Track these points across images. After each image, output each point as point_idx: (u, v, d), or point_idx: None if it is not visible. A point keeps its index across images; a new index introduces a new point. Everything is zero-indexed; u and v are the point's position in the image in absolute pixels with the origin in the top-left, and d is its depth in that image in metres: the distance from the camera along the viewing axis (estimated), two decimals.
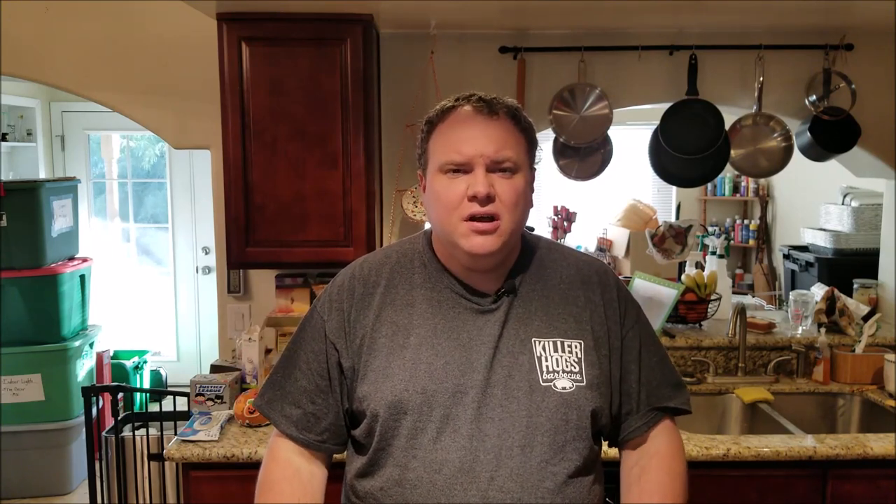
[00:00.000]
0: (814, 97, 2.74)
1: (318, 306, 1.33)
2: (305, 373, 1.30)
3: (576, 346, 1.24)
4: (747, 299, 3.55)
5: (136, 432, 3.25)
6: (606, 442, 1.35)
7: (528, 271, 1.30)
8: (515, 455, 1.17)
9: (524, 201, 1.23)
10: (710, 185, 6.48)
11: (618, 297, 1.32)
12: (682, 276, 2.87)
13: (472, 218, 1.19)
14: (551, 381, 1.21)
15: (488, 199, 1.18)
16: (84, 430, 3.38)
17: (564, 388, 1.21)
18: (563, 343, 1.24)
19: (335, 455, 1.34)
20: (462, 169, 1.20)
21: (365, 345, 1.25)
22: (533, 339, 1.23)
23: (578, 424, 1.21)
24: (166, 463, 3.20)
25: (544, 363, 1.22)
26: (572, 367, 1.23)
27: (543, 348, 1.23)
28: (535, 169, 1.28)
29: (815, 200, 4.79)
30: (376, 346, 1.24)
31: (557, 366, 1.22)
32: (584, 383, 1.22)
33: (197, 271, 5.60)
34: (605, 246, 4.52)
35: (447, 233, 1.22)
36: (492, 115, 1.21)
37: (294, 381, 1.30)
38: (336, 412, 1.29)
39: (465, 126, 1.21)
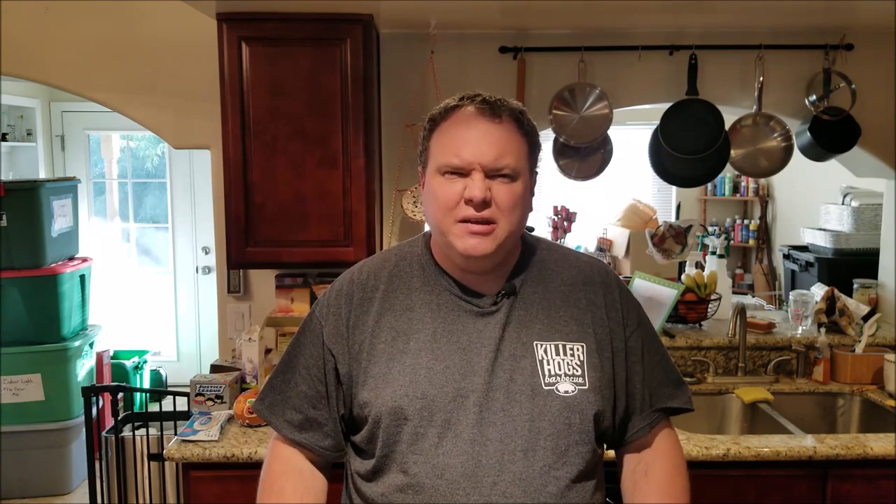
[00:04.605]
0: (814, 97, 2.74)
1: (316, 311, 1.32)
2: (305, 378, 1.29)
3: (578, 349, 1.23)
4: (747, 299, 3.55)
5: (136, 432, 3.24)
6: (605, 445, 1.34)
7: (529, 273, 1.29)
8: (518, 459, 1.16)
9: (522, 206, 1.22)
10: (710, 185, 6.48)
11: (620, 299, 1.31)
12: (682, 276, 2.87)
13: (467, 220, 1.18)
14: (553, 384, 1.20)
15: (484, 203, 1.17)
16: (84, 430, 3.38)
17: (567, 392, 1.20)
18: (564, 346, 1.23)
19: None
20: (460, 172, 1.19)
21: (364, 350, 1.24)
22: (535, 342, 1.22)
23: (581, 428, 1.20)
24: (166, 463, 3.20)
25: (546, 366, 1.21)
26: (574, 371, 1.22)
27: (545, 351, 1.22)
28: (536, 172, 1.27)
29: (815, 200, 4.79)
30: (376, 351, 1.23)
31: (559, 369, 1.21)
32: (586, 387, 1.21)
33: (197, 271, 5.60)
34: (605, 246, 4.52)
35: (442, 233, 1.22)
36: (494, 117, 1.19)
37: (294, 386, 1.30)
38: (334, 418, 1.28)
39: (467, 128, 1.19)
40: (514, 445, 1.17)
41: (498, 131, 1.19)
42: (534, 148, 1.25)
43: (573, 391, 1.20)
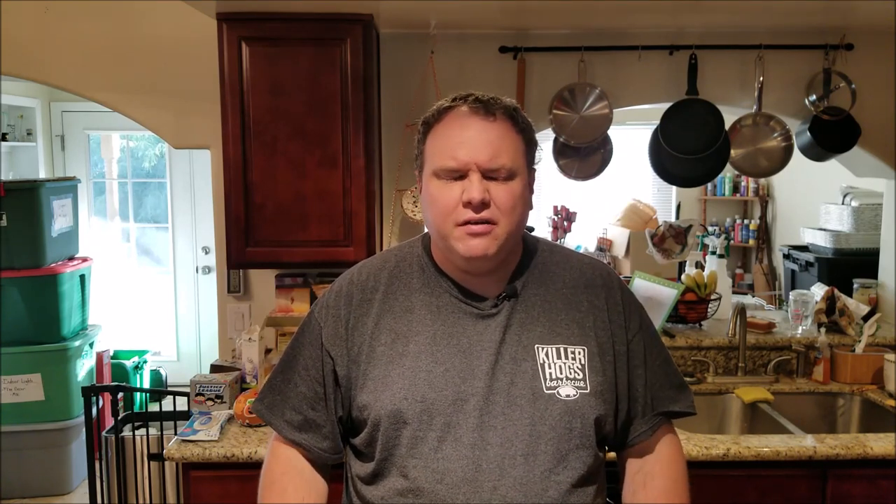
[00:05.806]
0: (814, 97, 2.74)
1: (315, 312, 1.31)
2: (304, 378, 1.28)
3: (579, 353, 1.22)
4: (747, 299, 3.55)
5: (136, 432, 3.24)
6: (607, 448, 1.33)
7: (530, 275, 1.27)
8: (519, 464, 1.15)
9: (522, 205, 1.20)
10: (710, 185, 6.48)
11: (622, 301, 1.30)
12: (682, 276, 2.87)
13: (467, 223, 1.16)
14: (555, 388, 1.18)
15: (483, 205, 1.15)
16: (84, 429, 3.38)
17: (568, 396, 1.18)
18: (566, 349, 1.22)
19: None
20: (457, 174, 1.17)
21: (364, 353, 1.23)
22: (536, 346, 1.21)
23: (582, 433, 1.19)
24: (166, 463, 3.20)
25: (547, 370, 1.20)
26: (576, 375, 1.20)
27: (546, 355, 1.21)
28: (534, 169, 1.26)
29: (815, 200, 4.79)
30: (375, 354, 1.22)
31: (561, 373, 1.20)
32: (587, 391, 1.20)
33: (197, 271, 5.60)
34: (605, 246, 4.53)
35: (443, 236, 1.20)
36: (488, 116, 1.18)
37: (294, 387, 1.29)
38: (332, 420, 1.28)
39: (461, 129, 1.18)
40: (514, 450, 1.16)
41: (493, 130, 1.18)
42: (530, 145, 1.24)
43: (575, 395, 1.19)
